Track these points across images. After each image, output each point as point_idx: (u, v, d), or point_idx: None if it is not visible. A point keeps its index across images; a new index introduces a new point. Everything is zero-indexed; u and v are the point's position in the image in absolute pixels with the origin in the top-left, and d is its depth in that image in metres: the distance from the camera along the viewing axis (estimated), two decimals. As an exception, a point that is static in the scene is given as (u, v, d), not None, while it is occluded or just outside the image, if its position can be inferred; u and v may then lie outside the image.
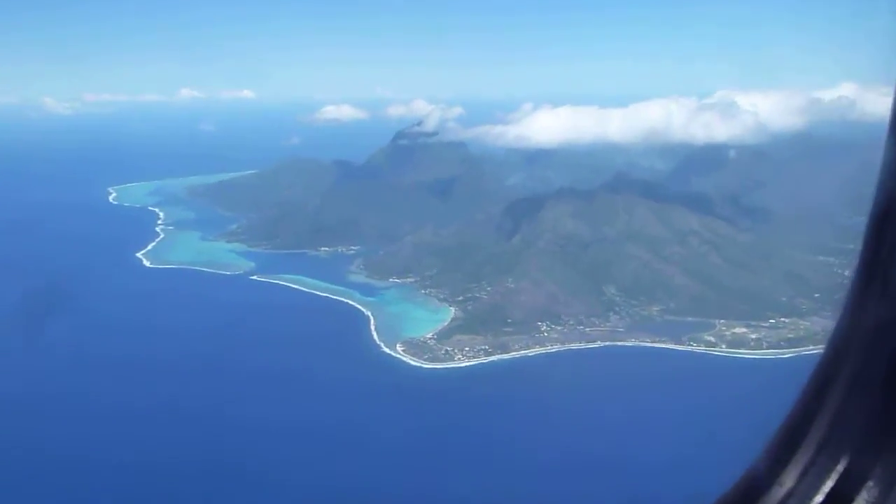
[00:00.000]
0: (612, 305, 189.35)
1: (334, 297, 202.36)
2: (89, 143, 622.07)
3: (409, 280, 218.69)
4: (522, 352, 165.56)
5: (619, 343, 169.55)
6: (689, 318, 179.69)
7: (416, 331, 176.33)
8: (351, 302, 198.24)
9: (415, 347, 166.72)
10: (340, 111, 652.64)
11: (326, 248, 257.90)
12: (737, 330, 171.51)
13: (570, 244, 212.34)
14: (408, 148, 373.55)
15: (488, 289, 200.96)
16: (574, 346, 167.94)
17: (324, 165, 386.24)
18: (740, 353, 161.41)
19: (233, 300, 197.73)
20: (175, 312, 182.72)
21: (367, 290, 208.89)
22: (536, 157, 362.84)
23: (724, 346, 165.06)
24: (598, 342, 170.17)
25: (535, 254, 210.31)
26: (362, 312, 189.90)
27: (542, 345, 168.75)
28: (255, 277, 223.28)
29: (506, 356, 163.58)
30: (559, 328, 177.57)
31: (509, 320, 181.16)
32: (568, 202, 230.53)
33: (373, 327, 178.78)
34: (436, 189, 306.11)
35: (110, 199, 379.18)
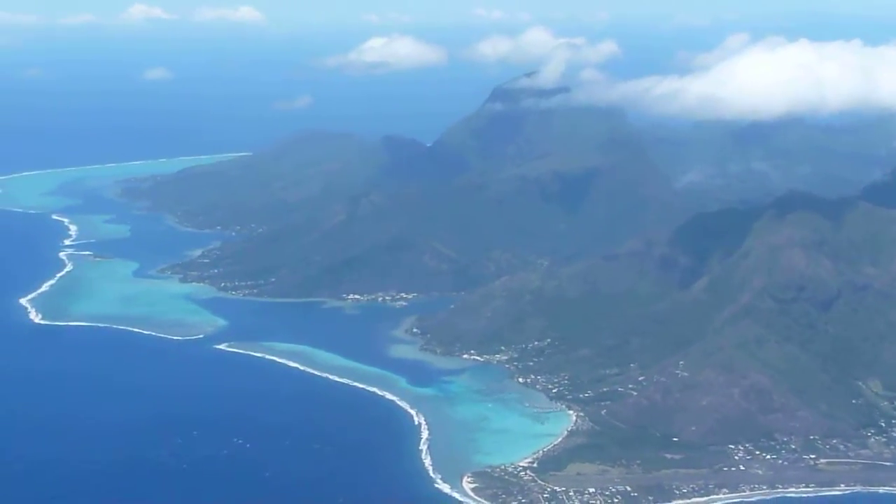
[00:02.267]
0: (872, 415, 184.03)
1: (361, 387, 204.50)
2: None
3: (497, 357, 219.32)
4: (697, 501, 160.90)
5: (885, 489, 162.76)
6: None
7: (502, 453, 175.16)
8: (391, 396, 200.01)
9: (495, 485, 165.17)
10: (395, 47, 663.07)
11: (356, 296, 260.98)
12: None
13: (800, 300, 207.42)
14: (511, 117, 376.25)
15: (640, 378, 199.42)
16: (796, 491, 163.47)
17: (362, 145, 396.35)
18: None
19: (176, 393, 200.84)
20: (63, 425, 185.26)
21: (420, 375, 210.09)
22: (747, 135, 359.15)
23: None
24: (843, 486, 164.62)
25: (732, 316, 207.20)
26: (409, 416, 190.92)
27: (734, 488, 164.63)
28: (223, 347, 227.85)
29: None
30: (768, 456, 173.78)
31: (675, 439, 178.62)
32: (801, 220, 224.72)
33: (424, 444, 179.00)
34: (557, 191, 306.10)
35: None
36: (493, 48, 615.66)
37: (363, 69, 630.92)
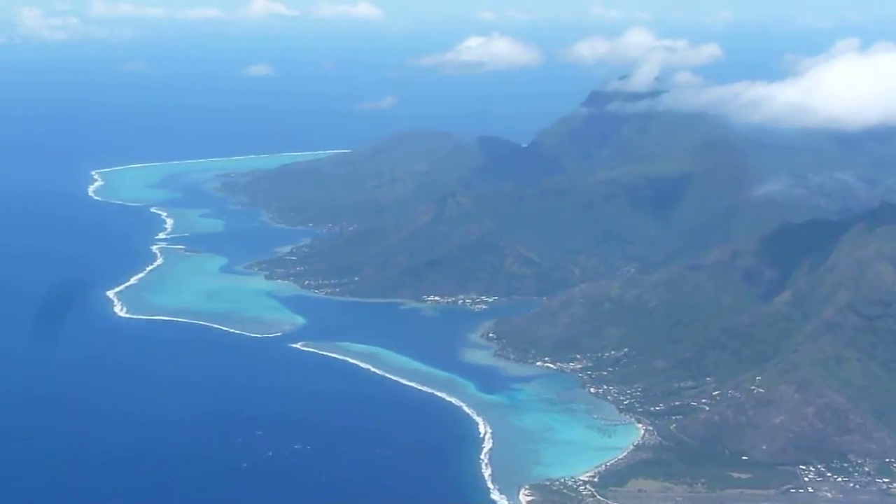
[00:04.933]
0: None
1: (429, 391, 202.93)
2: (81, 89, 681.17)
3: (570, 365, 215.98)
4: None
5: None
6: None
7: (563, 465, 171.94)
8: (458, 402, 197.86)
9: (552, 499, 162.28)
10: (492, 47, 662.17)
11: (437, 298, 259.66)
12: None
13: (886, 316, 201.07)
14: (605, 119, 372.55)
15: (714, 393, 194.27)
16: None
17: (458, 145, 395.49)
18: None
19: (245, 391, 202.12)
20: (130, 419, 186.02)
21: (490, 381, 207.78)
22: (835, 144, 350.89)
23: None
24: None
25: (814, 331, 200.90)
26: (473, 423, 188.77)
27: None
28: (298, 345, 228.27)
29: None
30: (839, 479, 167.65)
31: (744, 458, 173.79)
32: (891, 233, 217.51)
33: (485, 454, 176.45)
34: (649, 196, 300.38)
35: (90, 190, 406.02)
36: (590, 49, 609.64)
37: (458, 69, 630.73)
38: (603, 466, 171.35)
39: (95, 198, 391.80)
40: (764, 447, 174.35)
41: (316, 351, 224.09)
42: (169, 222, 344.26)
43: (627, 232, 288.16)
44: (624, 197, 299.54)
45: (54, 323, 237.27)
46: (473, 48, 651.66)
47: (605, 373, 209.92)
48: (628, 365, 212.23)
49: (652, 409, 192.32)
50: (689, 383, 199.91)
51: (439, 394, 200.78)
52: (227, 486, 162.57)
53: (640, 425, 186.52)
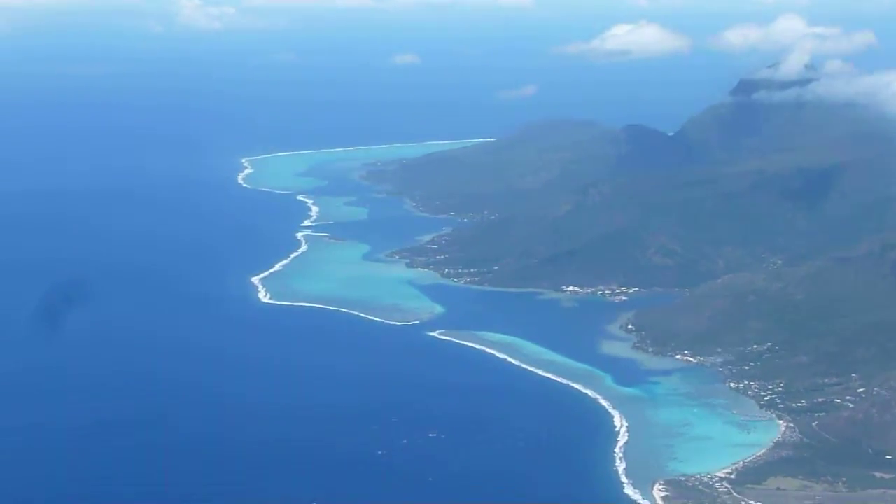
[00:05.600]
0: None
1: (564, 382, 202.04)
2: (234, 79, 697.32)
3: (710, 359, 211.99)
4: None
5: None
6: None
7: (700, 461, 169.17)
8: (593, 394, 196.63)
9: (687, 495, 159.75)
10: (639, 35, 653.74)
11: (576, 288, 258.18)
12: None
13: None
14: (755, 108, 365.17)
15: (859, 390, 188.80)
16: None
17: (603, 134, 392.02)
18: None
19: (381, 379, 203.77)
20: (267, 406, 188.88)
21: (627, 373, 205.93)
22: None
23: None
24: None
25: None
26: (609, 415, 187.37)
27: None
28: (436, 334, 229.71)
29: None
30: None
31: (888, 457, 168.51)
32: None
33: (619, 447, 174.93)
34: (798, 187, 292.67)
35: (240, 178, 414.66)
36: (741, 36, 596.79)
37: (604, 57, 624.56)
38: (741, 463, 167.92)
39: (244, 185, 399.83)
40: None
41: (453, 340, 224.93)
42: (314, 210, 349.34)
43: (774, 223, 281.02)
44: (772, 187, 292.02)
45: (198, 308, 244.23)
46: (620, 36, 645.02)
47: (746, 367, 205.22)
48: (771, 360, 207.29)
49: (794, 405, 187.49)
50: (834, 380, 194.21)
51: (575, 385, 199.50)
52: (362, 474, 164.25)
53: (780, 422, 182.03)
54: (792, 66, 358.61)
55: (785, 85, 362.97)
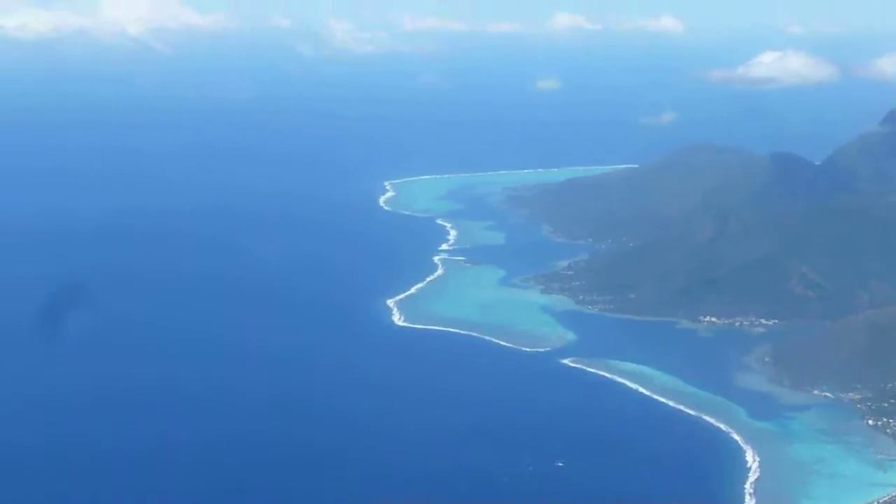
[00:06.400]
0: None
1: (694, 413, 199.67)
2: (381, 102, 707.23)
3: (850, 395, 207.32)
4: None
5: None
6: None
7: (832, 499, 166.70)
8: (726, 428, 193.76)
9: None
10: (786, 63, 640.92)
11: (713, 319, 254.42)
12: None
13: None
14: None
15: None
16: None
17: (748, 161, 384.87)
18: None
19: (515, 402, 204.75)
20: (394, 428, 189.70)
21: (761, 407, 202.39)
22: None
23: None
24: None
25: None
26: (741, 450, 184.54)
27: None
28: (567, 362, 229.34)
29: None
30: None
31: None
32: None
33: (750, 483, 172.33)
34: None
35: (381, 200, 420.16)
36: (893, 64, 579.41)
37: (748, 84, 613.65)
38: (875, 502, 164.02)
39: (385, 208, 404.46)
40: None
41: (584, 367, 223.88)
42: (452, 233, 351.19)
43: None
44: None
45: (332, 328, 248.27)
46: (766, 63, 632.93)
47: (885, 404, 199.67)
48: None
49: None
50: None
51: (707, 418, 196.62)
52: (485, 498, 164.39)
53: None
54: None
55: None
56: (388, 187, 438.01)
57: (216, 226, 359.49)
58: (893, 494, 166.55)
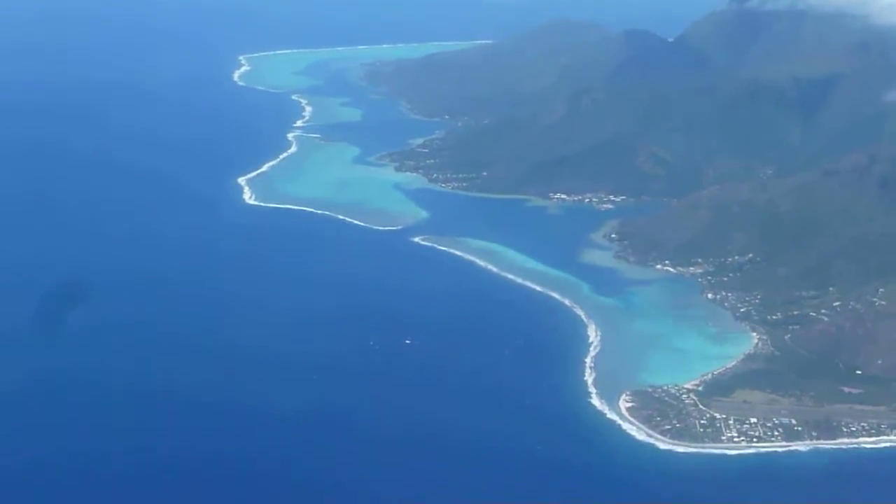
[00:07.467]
0: None
1: (541, 290, 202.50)
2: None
3: (691, 270, 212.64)
4: (864, 441, 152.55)
5: None
6: None
7: (669, 373, 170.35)
8: (570, 303, 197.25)
9: (652, 406, 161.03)
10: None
11: (563, 196, 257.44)
12: None
13: None
14: (758, 16, 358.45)
15: (835, 304, 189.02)
16: None
17: (603, 38, 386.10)
18: None
19: (365, 282, 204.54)
20: (247, 309, 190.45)
21: (605, 283, 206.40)
22: None
23: None
24: None
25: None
26: (584, 325, 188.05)
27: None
28: (418, 240, 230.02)
29: (827, 445, 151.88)
30: None
31: (858, 372, 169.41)
32: None
33: (590, 357, 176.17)
34: (794, 97, 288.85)
35: (236, 75, 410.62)
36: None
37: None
38: (710, 375, 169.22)
39: (239, 83, 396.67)
40: (880, 362, 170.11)
41: (435, 245, 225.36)
42: (308, 110, 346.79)
43: (769, 134, 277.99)
44: (768, 98, 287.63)
45: (180, 206, 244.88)
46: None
47: (725, 279, 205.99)
48: (750, 271, 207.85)
49: (769, 317, 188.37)
50: (811, 293, 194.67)
51: (553, 294, 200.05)
52: (329, 376, 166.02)
53: (754, 334, 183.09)
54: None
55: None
56: (242, 62, 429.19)
57: (64, 98, 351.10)
58: (728, 367, 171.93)
